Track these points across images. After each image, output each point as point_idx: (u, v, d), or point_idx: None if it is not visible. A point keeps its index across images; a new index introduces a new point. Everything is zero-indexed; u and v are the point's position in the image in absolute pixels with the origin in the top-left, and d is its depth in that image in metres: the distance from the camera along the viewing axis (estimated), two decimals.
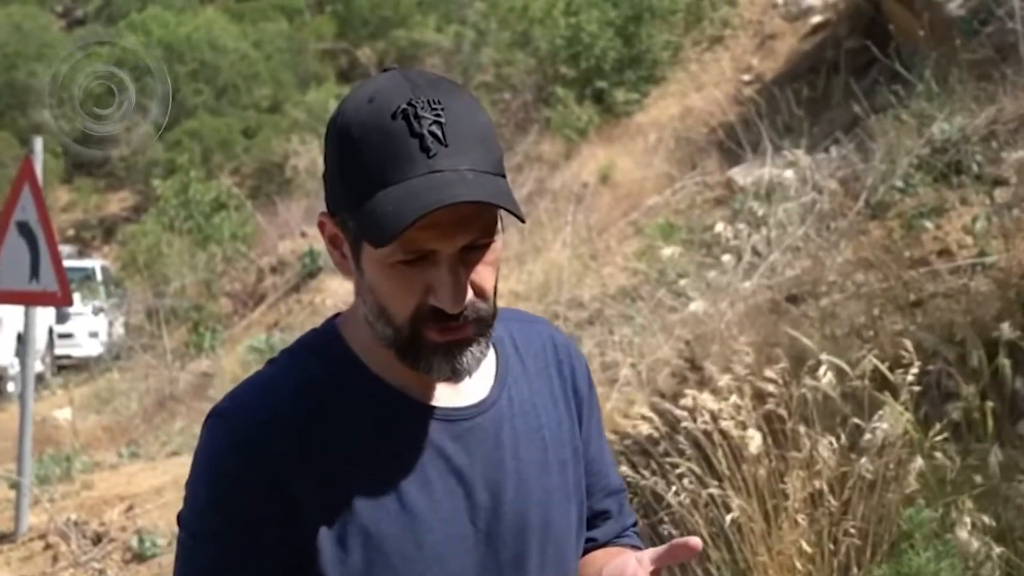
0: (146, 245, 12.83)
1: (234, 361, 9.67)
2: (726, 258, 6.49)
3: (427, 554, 1.42)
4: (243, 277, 11.33)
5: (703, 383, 5.15)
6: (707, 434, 3.97)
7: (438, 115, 1.34)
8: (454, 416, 1.47)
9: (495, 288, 1.44)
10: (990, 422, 4.53)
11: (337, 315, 1.54)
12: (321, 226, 1.44)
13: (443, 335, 1.38)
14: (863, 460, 3.99)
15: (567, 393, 1.61)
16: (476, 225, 1.36)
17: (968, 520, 3.76)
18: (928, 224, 6.28)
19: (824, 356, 4.18)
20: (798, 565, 3.76)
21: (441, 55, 16.57)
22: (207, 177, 14.59)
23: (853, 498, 4.02)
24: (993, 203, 6.08)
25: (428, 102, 1.35)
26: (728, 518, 3.80)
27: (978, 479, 4.36)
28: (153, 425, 9.59)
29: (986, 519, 4.05)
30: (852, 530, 3.81)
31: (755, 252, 6.70)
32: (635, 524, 1.78)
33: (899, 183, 6.72)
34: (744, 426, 3.83)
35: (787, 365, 4.15)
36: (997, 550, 4.04)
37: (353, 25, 28.00)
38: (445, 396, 1.47)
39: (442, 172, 1.33)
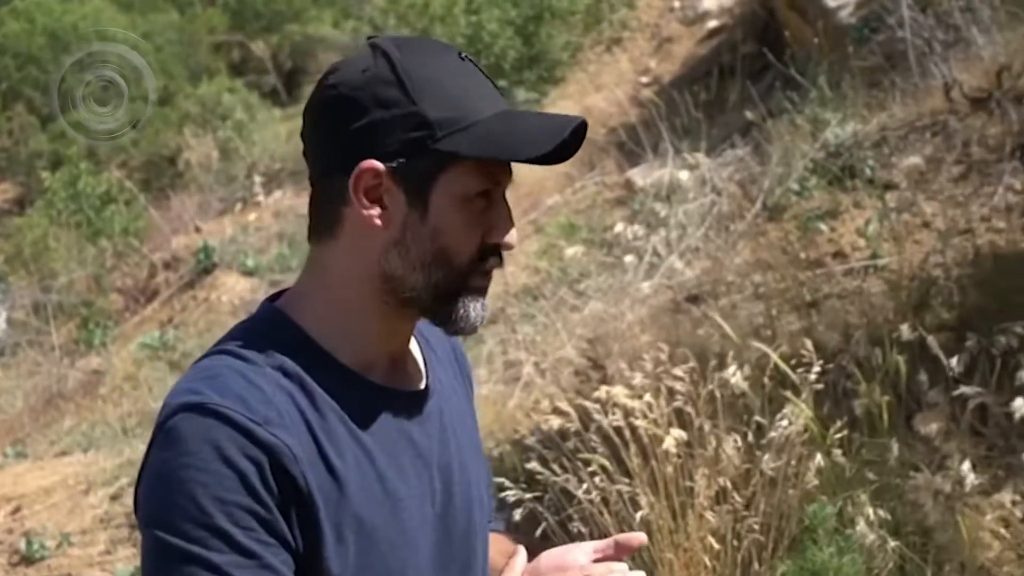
0: (32, 238, 12.47)
1: (126, 358, 9.47)
2: (628, 258, 6.56)
3: (407, 539, 1.43)
4: (135, 272, 11.10)
5: (606, 382, 5.20)
6: (618, 431, 4.02)
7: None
8: (412, 400, 1.49)
9: None
10: (885, 418, 4.67)
11: (274, 297, 1.50)
12: (359, 176, 1.39)
13: (484, 280, 1.44)
14: (766, 457, 4.08)
15: (465, 380, 1.67)
16: (511, 172, 1.46)
17: (867, 514, 3.86)
18: (823, 226, 6.44)
19: (731, 355, 4.25)
20: (705, 560, 3.83)
21: (337, 50, 16.40)
22: (95, 170, 14.24)
23: (756, 494, 4.10)
24: (885, 207, 6.26)
25: (470, 56, 1.45)
26: (638, 516, 3.85)
27: (874, 475, 4.49)
28: (41, 424, 9.33)
29: (882, 513, 4.17)
30: (755, 526, 3.89)
31: (655, 253, 6.79)
32: (493, 507, 1.79)
33: (795, 186, 6.87)
34: (656, 424, 3.88)
35: (695, 364, 4.22)
36: (892, 543, 4.16)
37: (246, 18, 27.57)
38: (398, 381, 1.49)
39: (522, 109, 1.49)
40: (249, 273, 9.61)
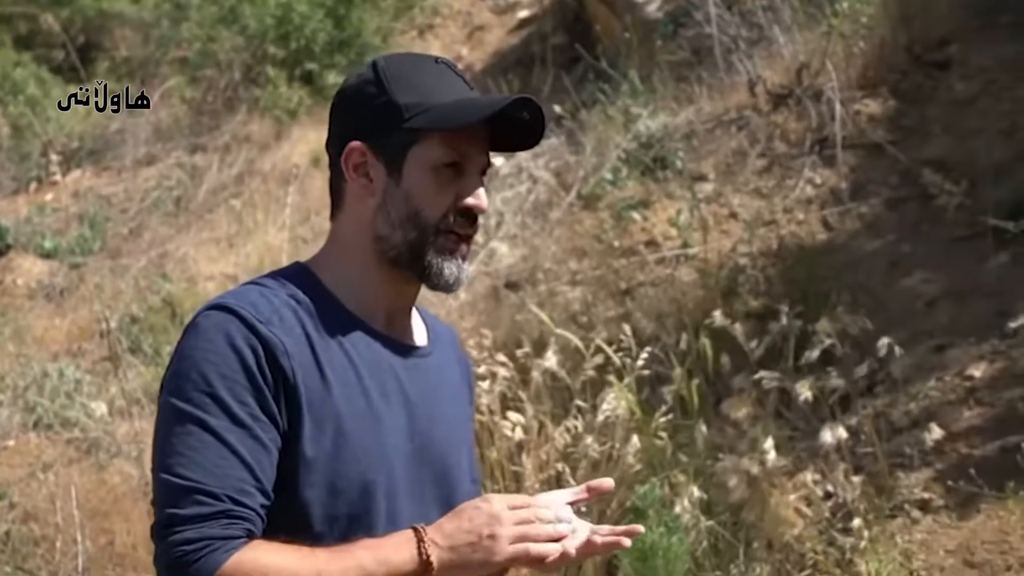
0: None
1: None
2: None
3: (383, 453, 1.67)
4: None
5: None
6: None
7: (461, 69, 1.77)
8: (407, 351, 1.75)
9: None
10: (695, 402, 4.83)
11: (296, 263, 1.79)
12: (348, 154, 1.71)
13: (458, 242, 1.70)
14: (589, 440, 4.18)
15: (465, 382, 1.92)
16: (487, 153, 1.74)
17: (690, 493, 4.00)
18: (636, 216, 6.61)
19: (553, 340, 4.33)
20: None
21: (133, 27, 15.80)
22: None
23: (580, 477, 4.19)
24: (694, 197, 6.48)
25: (448, 61, 1.76)
26: None
27: (686, 457, 4.65)
28: None
29: (697, 493, 4.33)
30: (583, 508, 3.97)
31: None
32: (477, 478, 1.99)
33: (608, 176, 7.02)
34: (479, 410, 3.92)
35: (526, 350, 4.28)
36: (706, 523, 4.33)
37: None
38: (395, 333, 1.76)
39: (490, 96, 1.78)
40: (47, 255, 9.18)
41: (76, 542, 5.18)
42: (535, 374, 4.39)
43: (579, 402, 4.50)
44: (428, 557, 1.56)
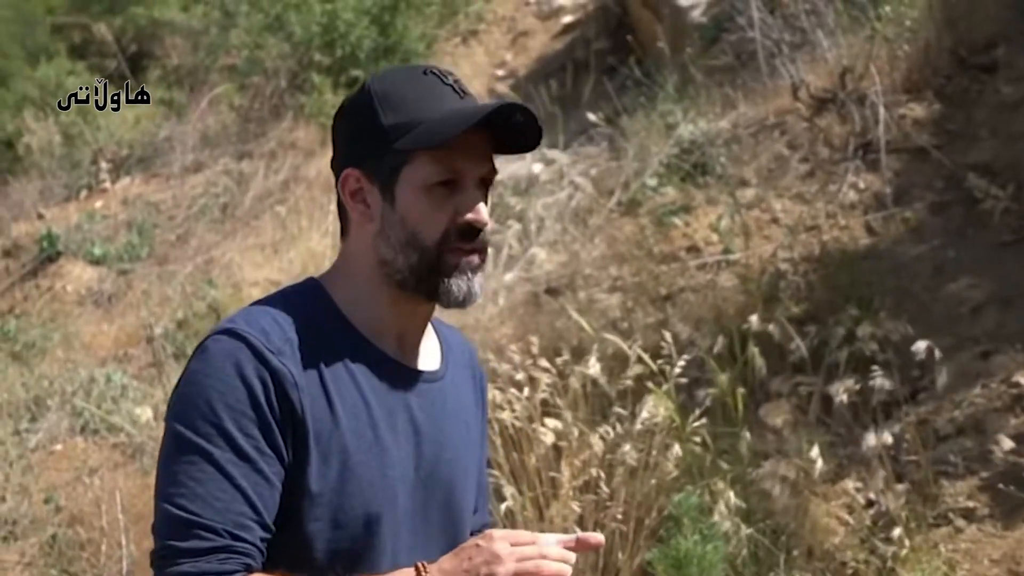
0: None
1: None
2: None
3: (388, 485, 1.64)
4: None
5: None
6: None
7: (454, 77, 1.70)
8: (417, 377, 1.72)
9: None
10: (740, 408, 4.81)
11: (311, 279, 1.75)
12: (344, 181, 1.69)
13: (463, 256, 1.65)
14: (627, 447, 4.17)
15: (477, 394, 1.87)
16: (490, 160, 1.68)
17: (728, 499, 3.97)
18: (677, 221, 6.59)
19: (595, 347, 4.32)
20: None
21: (183, 35, 15.97)
22: None
23: (616, 484, 4.19)
24: (736, 203, 6.44)
25: (437, 71, 1.69)
26: (502, 507, 3.88)
27: (726, 464, 4.62)
28: None
29: (736, 500, 4.30)
30: (619, 515, 3.97)
31: (512, 245, 6.85)
32: (488, 525, 1.94)
33: (649, 181, 7.00)
34: (519, 417, 3.92)
35: (566, 357, 4.27)
36: (746, 530, 4.30)
37: None
38: (405, 357, 1.72)
39: (479, 103, 1.69)
40: (96, 262, 9.29)
41: (121, 546, 5.25)
42: (573, 381, 4.39)
43: (618, 409, 4.49)
44: None
